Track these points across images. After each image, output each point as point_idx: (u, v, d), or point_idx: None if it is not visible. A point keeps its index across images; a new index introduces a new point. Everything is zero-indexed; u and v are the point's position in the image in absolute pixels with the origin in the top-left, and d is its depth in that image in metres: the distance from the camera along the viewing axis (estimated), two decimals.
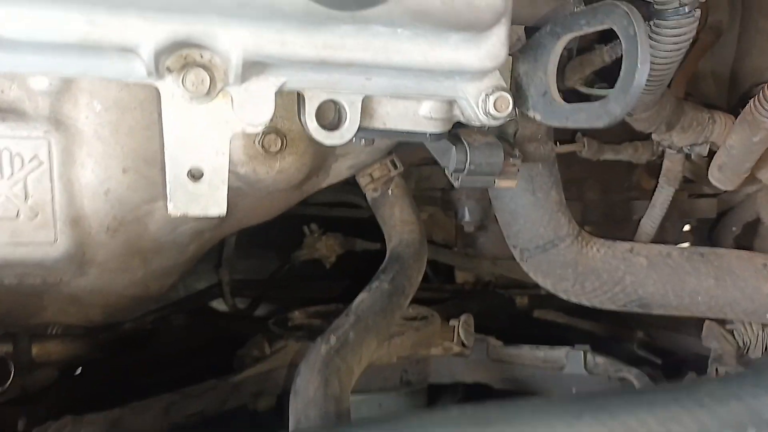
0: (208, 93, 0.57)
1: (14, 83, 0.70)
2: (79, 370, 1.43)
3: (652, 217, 1.12)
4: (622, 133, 1.09)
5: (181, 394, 0.91)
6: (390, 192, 1.07)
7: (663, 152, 1.11)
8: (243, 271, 1.89)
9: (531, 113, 0.68)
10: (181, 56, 0.55)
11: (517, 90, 0.70)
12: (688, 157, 1.13)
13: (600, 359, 0.96)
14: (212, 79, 0.57)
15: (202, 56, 0.56)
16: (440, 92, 0.66)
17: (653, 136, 1.06)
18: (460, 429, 0.45)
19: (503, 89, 0.65)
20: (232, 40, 0.53)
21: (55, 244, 0.74)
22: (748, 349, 1.10)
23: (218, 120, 0.62)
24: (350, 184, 1.17)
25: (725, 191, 1.42)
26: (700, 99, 1.28)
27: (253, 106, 0.60)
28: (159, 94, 0.58)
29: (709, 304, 0.98)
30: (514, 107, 0.66)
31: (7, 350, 1.25)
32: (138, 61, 0.54)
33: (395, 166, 1.07)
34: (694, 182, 1.27)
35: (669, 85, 1.15)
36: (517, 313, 1.64)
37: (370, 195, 1.09)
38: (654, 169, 1.20)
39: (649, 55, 0.51)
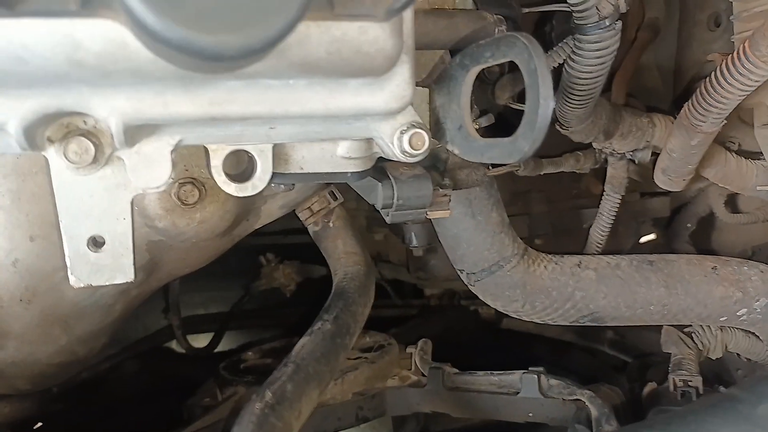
0: (96, 161, 0.53)
1: None
2: (38, 426, 1.37)
3: (600, 226, 1.11)
4: (563, 144, 1.07)
5: None
6: (331, 224, 1.03)
7: (606, 159, 1.09)
8: (202, 305, 1.85)
9: (450, 147, 0.65)
10: (62, 125, 0.52)
11: (435, 123, 0.67)
12: (632, 161, 1.12)
13: (554, 381, 0.94)
14: (98, 146, 0.53)
15: (85, 122, 0.52)
16: (353, 134, 0.63)
17: (594, 144, 1.05)
18: None
19: (418, 125, 0.62)
20: (108, 108, 0.49)
21: None
22: (708, 351, 1.08)
23: (114, 185, 0.58)
24: None
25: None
26: (645, 96, 1.27)
27: (149, 168, 0.56)
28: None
29: (662, 313, 0.96)
30: (430, 143, 0.63)
31: None
32: (8, 137, 0.50)
33: (335, 198, 1.03)
34: (642, 183, 1.26)
35: (609, 89, 1.15)
36: (483, 324, 1.62)
37: (311, 229, 1.05)
38: (602, 173, 1.18)
39: (551, 90, 0.48)
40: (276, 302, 1.75)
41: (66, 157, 0.52)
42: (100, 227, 0.59)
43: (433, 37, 0.73)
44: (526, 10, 0.90)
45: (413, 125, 0.62)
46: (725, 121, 0.90)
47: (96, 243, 0.59)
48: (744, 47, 0.79)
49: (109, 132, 0.53)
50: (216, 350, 1.66)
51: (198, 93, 0.51)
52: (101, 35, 0.42)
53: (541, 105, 0.48)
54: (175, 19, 0.33)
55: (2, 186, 0.68)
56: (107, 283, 0.59)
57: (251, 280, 1.73)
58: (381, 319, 1.30)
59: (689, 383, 0.93)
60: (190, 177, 0.75)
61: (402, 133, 0.62)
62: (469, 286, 0.97)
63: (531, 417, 0.92)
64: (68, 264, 0.58)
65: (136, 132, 0.53)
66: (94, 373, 1.55)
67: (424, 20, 0.72)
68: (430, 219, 1.04)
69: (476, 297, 1.65)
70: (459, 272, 0.97)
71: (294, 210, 1.05)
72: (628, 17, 1.25)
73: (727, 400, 0.45)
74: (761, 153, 1.02)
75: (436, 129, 0.68)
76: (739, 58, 0.80)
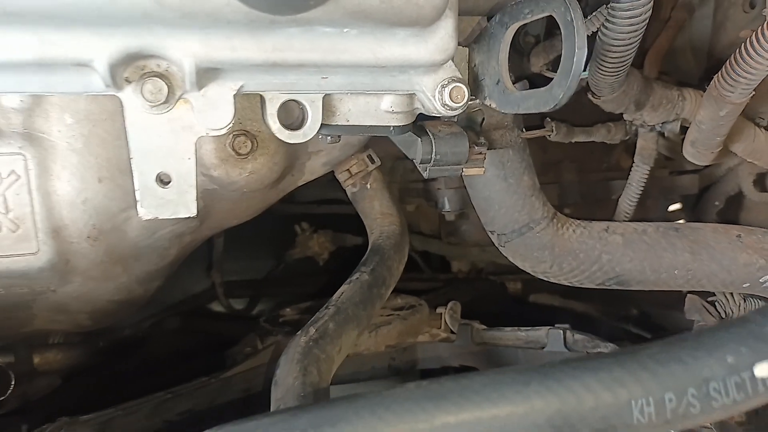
0: (167, 101, 0.59)
1: None
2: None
3: (629, 196, 1.14)
4: (595, 114, 1.10)
5: (171, 393, 0.93)
6: (368, 186, 1.09)
7: (636, 131, 1.12)
8: (238, 272, 1.92)
9: (488, 102, 0.70)
10: (138, 67, 0.58)
11: (474, 80, 0.72)
12: (662, 135, 1.15)
13: (579, 336, 0.98)
14: (170, 88, 0.59)
15: (159, 66, 0.58)
16: (397, 87, 0.68)
17: (625, 116, 1.08)
18: (417, 404, 0.47)
19: (458, 80, 0.67)
20: (182, 50, 0.55)
21: (38, 255, 0.77)
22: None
23: (181, 126, 0.64)
24: (336, 180, 1.19)
25: (706, 167, 1.44)
26: (679, 76, 1.29)
27: (213, 111, 0.62)
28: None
29: (686, 278, 1.00)
30: (470, 97, 0.67)
31: (8, 361, 1.29)
32: (95, 75, 0.56)
33: (372, 161, 1.09)
34: (672, 159, 1.29)
35: (642, 65, 1.17)
36: (510, 298, 1.66)
37: (349, 190, 1.11)
38: (633, 148, 1.21)
39: (585, 40, 0.53)
40: (309, 271, 1.81)
41: (142, 95, 0.58)
42: (166, 165, 0.65)
43: (473, 3, 0.78)
44: None
45: (454, 79, 0.67)
46: (753, 92, 0.93)
47: (163, 180, 0.65)
48: None
49: (179, 75, 0.58)
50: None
51: (262, 38, 0.56)
52: None
53: (576, 53, 0.52)
54: None
55: (75, 130, 0.74)
56: (171, 216, 0.66)
57: (286, 249, 1.79)
58: (410, 291, 1.35)
59: None
60: (244, 129, 0.81)
61: (443, 87, 0.67)
62: (500, 248, 1.02)
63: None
64: (138, 197, 0.64)
65: (204, 75, 0.59)
66: (136, 330, 1.64)
67: None
68: (463, 185, 1.09)
69: (502, 272, 1.70)
70: (490, 233, 1.01)
71: (333, 173, 1.11)
72: None
73: (740, 321, 0.49)
74: None
75: (474, 86, 0.72)
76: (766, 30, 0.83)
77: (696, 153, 1.09)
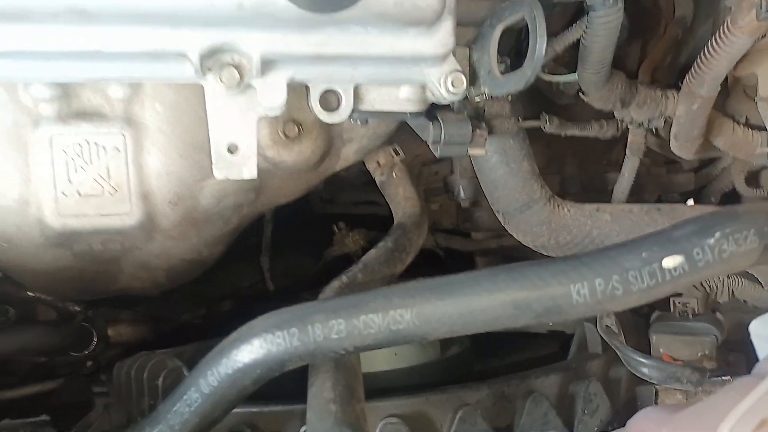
0: (238, 86, 0.80)
1: (97, 93, 0.94)
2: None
3: (622, 185, 1.30)
4: (590, 112, 1.27)
5: None
6: (394, 175, 1.28)
7: (626, 128, 1.29)
8: (284, 273, 2.12)
9: (482, 89, 0.89)
10: (217, 59, 0.78)
11: (472, 74, 0.91)
12: (652, 132, 1.31)
13: None
14: (241, 75, 0.79)
15: (233, 58, 0.79)
16: (411, 77, 0.87)
17: (615, 113, 1.25)
18: (419, 292, 0.65)
19: (458, 71, 0.86)
20: (252, 44, 0.76)
21: (130, 214, 0.98)
22: (716, 294, 1.25)
23: (247, 106, 0.84)
24: (370, 184, 1.38)
25: (702, 167, 1.59)
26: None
27: (271, 94, 0.82)
28: (203, 92, 0.81)
29: None
30: (468, 85, 0.86)
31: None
32: (188, 64, 0.77)
33: (397, 154, 1.28)
34: (676, 162, 1.44)
35: (637, 74, 1.34)
36: None
37: (378, 179, 1.30)
38: None
39: (545, 31, 0.71)
40: (345, 268, 1.99)
41: (220, 81, 0.79)
42: (235, 137, 0.85)
43: (476, 16, 0.97)
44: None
45: (454, 70, 0.86)
46: (720, 88, 1.09)
47: (231, 148, 0.85)
48: (727, 21, 0.99)
49: (248, 66, 0.79)
50: None
51: (309, 36, 0.76)
52: None
53: (539, 41, 0.71)
54: None
55: (163, 116, 0.96)
56: (238, 177, 0.86)
57: (326, 249, 1.98)
58: None
59: (687, 304, 1.11)
60: (292, 117, 1.01)
61: (446, 76, 0.86)
62: (504, 225, 1.19)
63: (551, 326, 1.12)
64: (213, 161, 0.84)
65: (265, 66, 0.80)
66: (193, 316, 1.85)
67: (470, 2, 0.95)
68: (475, 176, 1.27)
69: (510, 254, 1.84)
70: (496, 212, 1.19)
71: (364, 170, 1.30)
72: (661, 13, 1.45)
73: (657, 231, 0.66)
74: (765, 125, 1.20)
75: (473, 76, 0.91)
76: (724, 31, 1.00)
77: (680, 146, 1.25)
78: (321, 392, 0.66)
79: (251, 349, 0.64)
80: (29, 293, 1.45)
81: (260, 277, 1.80)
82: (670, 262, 0.61)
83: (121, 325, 1.58)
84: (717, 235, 0.61)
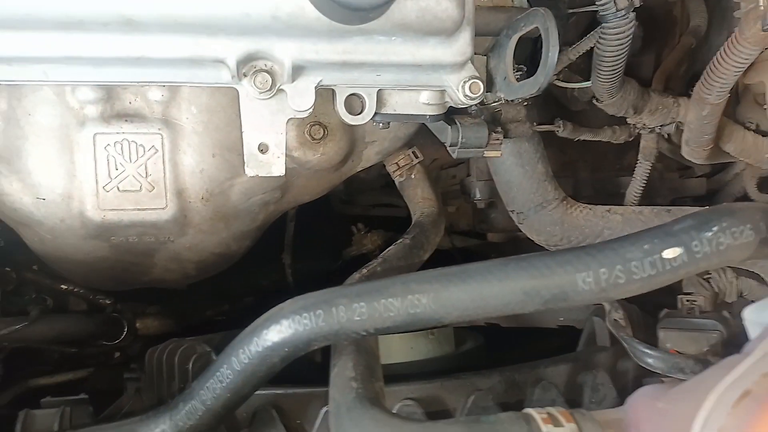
0: (270, 89, 0.86)
1: (138, 96, 1.01)
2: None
3: (634, 189, 1.34)
4: (603, 118, 1.32)
5: None
6: (413, 176, 1.33)
7: (639, 134, 1.34)
8: (305, 273, 2.18)
9: (499, 94, 0.94)
10: (252, 66, 0.85)
11: (489, 80, 0.97)
12: (664, 138, 1.36)
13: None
14: (273, 80, 0.85)
15: (266, 65, 0.85)
16: (431, 82, 0.92)
17: (628, 119, 1.29)
18: (436, 278, 0.70)
19: (476, 77, 0.91)
20: (284, 52, 0.82)
21: (166, 209, 1.04)
22: (724, 295, 1.29)
23: (277, 109, 0.90)
24: (389, 186, 1.43)
25: (716, 173, 1.63)
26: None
27: (301, 98, 0.88)
28: (237, 97, 0.87)
29: None
30: (485, 90, 0.92)
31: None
32: (225, 70, 0.83)
33: (416, 156, 1.33)
34: (676, 161, 1.48)
35: (651, 82, 1.39)
36: None
37: (397, 180, 1.35)
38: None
39: (558, 41, 0.76)
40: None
41: (254, 86, 0.85)
42: (266, 137, 0.91)
43: (494, 27, 1.02)
44: (571, 10, 1.18)
45: (472, 77, 0.91)
46: (728, 95, 1.13)
47: (262, 147, 0.92)
48: (735, 33, 1.04)
49: (279, 71, 0.85)
50: None
51: (337, 44, 0.82)
52: (291, 2, 0.74)
53: (551, 50, 0.76)
54: None
55: (198, 118, 1.02)
56: (267, 174, 0.92)
57: (344, 248, 2.05)
58: None
59: (694, 302, 1.15)
60: (318, 120, 1.07)
61: (464, 82, 0.92)
62: (519, 225, 1.24)
63: (562, 321, 1.17)
64: (245, 160, 0.91)
65: (295, 72, 0.86)
66: (217, 311, 1.93)
67: (487, 14, 1.01)
68: (491, 178, 1.32)
69: None
70: (511, 213, 1.24)
71: (383, 173, 1.36)
72: (675, 24, 1.50)
73: (658, 226, 0.70)
74: None
75: (490, 84, 0.97)
76: (732, 42, 1.04)
77: (690, 151, 1.29)
78: (343, 371, 0.71)
79: (280, 329, 0.70)
80: (63, 286, 1.54)
81: (281, 275, 1.87)
82: (670, 253, 0.66)
83: (148, 319, 1.66)
84: (715, 229, 0.66)
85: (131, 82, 0.87)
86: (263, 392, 0.90)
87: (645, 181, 1.33)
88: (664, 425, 0.56)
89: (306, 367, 0.99)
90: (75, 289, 1.54)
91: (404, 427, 0.60)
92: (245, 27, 0.77)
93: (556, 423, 0.59)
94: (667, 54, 1.47)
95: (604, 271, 0.67)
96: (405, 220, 1.54)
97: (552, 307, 0.68)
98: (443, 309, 0.68)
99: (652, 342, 1.10)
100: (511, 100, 0.98)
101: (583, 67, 1.24)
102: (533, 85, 0.81)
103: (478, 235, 1.81)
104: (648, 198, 1.39)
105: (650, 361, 0.92)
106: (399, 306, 0.68)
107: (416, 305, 0.68)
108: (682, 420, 0.52)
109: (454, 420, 0.60)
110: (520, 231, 1.29)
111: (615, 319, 1.01)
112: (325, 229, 1.99)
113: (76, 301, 1.58)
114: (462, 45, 0.86)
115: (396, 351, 1.25)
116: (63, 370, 1.59)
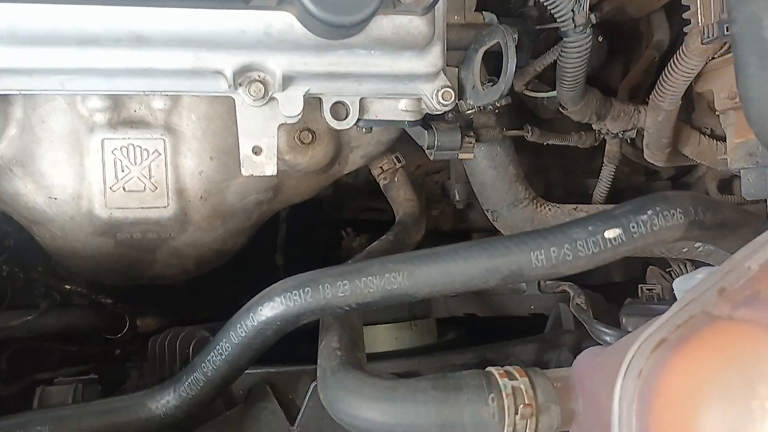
0: (263, 97, 0.96)
1: (142, 105, 1.11)
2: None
3: (600, 190, 1.45)
4: (570, 125, 1.43)
5: None
6: (396, 179, 1.44)
7: (603, 139, 1.45)
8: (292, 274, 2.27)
9: (468, 101, 1.05)
10: (247, 76, 0.95)
11: (460, 89, 1.08)
12: (626, 142, 1.47)
13: (549, 282, 1.29)
14: (266, 89, 0.96)
15: (259, 75, 0.95)
16: (408, 91, 1.03)
17: (593, 126, 1.41)
18: (417, 258, 0.80)
19: (448, 86, 1.02)
20: (276, 64, 0.93)
21: (167, 208, 1.14)
22: None
23: (270, 115, 1.01)
24: (376, 191, 1.54)
25: (681, 176, 1.74)
26: None
27: (291, 105, 0.99)
28: (232, 106, 0.98)
29: None
30: (457, 98, 1.03)
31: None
32: (223, 80, 0.94)
33: (399, 161, 1.44)
34: (643, 165, 1.60)
35: (617, 92, 1.50)
36: None
37: (382, 183, 1.46)
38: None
39: (515, 53, 0.87)
40: None
41: (249, 94, 0.95)
42: (259, 141, 1.01)
43: (464, 42, 1.14)
44: (538, 27, 1.29)
45: (445, 86, 1.02)
46: (680, 102, 1.25)
47: (256, 150, 1.02)
48: (683, 46, 1.15)
49: (272, 81, 0.96)
50: None
51: (323, 57, 0.93)
52: (282, 20, 0.85)
53: (509, 61, 0.87)
54: (325, 9, 0.75)
55: (197, 124, 1.12)
56: (261, 174, 1.02)
57: (333, 252, 2.14)
58: None
59: (653, 290, 1.25)
60: (306, 126, 1.18)
61: (438, 91, 1.02)
62: (493, 222, 1.35)
63: (533, 309, 1.27)
64: (241, 161, 1.01)
65: (286, 81, 0.96)
66: (212, 312, 2.01)
67: (459, 30, 1.12)
68: (468, 181, 1.43)
69: None
70: (486, 211, 1.34)
71: (370, 179, 1.47)
72: (641, 38, 1.62)
73: (603, 210, 0.81)
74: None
75: (461, 92, 1.08)
76: (680, 53, 1.16)
77: (651, 154, 1.40)
78: (330, 343, 0.81)
79: (273, 306, 0.80)
80: (66, 286, 1.62)
81: (274, 276, 1.96)
82: (611, 233, 0.76)
83: (148, 317, 1.75)
84: (649, 212, 0.76)
85: (139, 91, 0.97)
86: (258, 370, 0.99)
87: (610, 182, 1.44)
88: (600, 375, 0.67)
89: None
90: (78, 289, 1.63)
91: (381, 383, 0.70)
92: (241, 42, 0.88)
93: (511, 377, 0.69)
94: (633, 65, 1.59)
95: (554, 249, 0.77)
96: (391, 223, 1.64)
97: (510, 283, 0.78)
98: (416, 285, 0.78)
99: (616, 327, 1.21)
100: (482, 108, 1.09)
101: (553, 79, 1.35)
102: (496, 92, 0.92)
103: (462, 236, 1.92)
104: (616, 200, 1.49)
105: (607, 338, 1.03)
106: (377, 283, 0.78)
107: (393, 282, 0.78)
108: (613, 368, 0.62)
109: (423, 377, 0.70)
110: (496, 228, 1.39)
111: (577, 303, 1.11)
112: (316, 233, 2.08)
113: (78, 301, 1.67)
114: (434, 57, 0.97)
115: (381, 341, 1.34)
116: (65, 367, 1.67)
